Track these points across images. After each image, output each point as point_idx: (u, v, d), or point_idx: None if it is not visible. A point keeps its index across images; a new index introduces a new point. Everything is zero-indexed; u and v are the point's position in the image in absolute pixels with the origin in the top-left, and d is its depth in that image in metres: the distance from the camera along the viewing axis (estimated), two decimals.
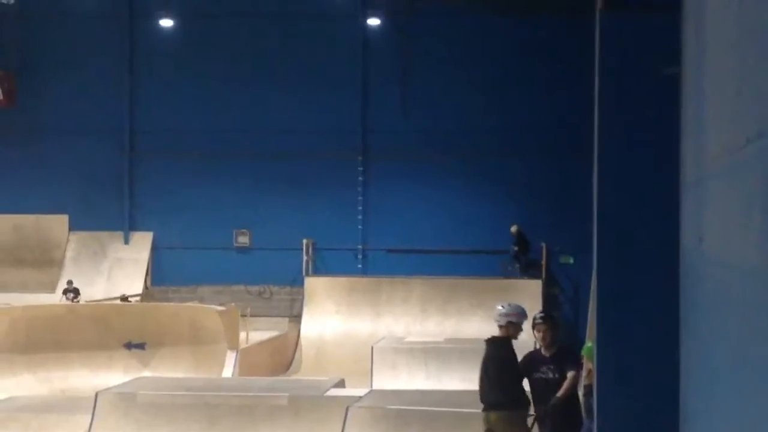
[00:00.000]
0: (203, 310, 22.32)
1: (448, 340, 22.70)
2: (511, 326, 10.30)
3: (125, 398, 14.14)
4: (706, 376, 3.86)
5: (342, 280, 27.07)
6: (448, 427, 12.72)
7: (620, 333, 5.09)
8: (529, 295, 25.85)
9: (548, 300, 26.05)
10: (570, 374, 10.16)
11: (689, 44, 4.57)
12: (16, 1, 27.06)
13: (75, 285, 25.79)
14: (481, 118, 27.25)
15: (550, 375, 10.12)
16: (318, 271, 27.71)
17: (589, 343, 10.16)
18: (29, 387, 19.51)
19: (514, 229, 26.39)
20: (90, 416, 13.83)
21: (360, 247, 27.94)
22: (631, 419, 5.05)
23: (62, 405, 15.82)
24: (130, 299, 24.93)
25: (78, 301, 24.99)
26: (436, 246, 27.21)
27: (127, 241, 28.33)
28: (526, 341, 10.97)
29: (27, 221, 28.41)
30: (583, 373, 10.33)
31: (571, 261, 26.48)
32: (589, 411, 9.64)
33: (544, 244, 26.75)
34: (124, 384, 15.71)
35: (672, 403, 4.75)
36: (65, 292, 25.67)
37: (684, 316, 4.64)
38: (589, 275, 21.60)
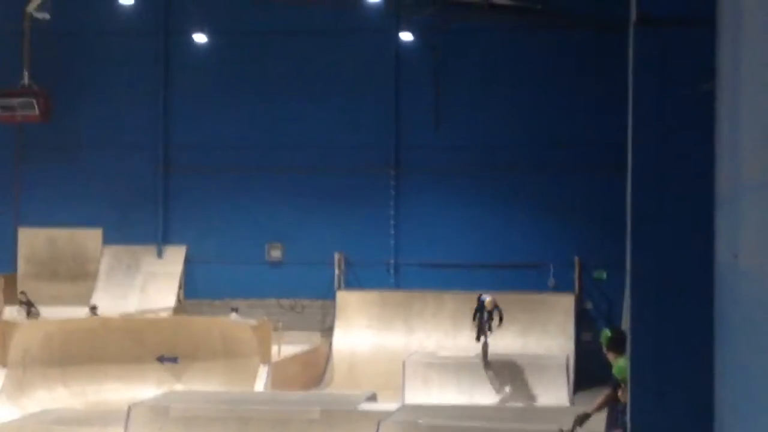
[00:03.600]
0: (236, 323, 22.39)
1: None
2: None
3: (158, 411, 14.19)
4: (742, 393, 3.83)
5: (374, 294, 27.06)
6: None
7: (654, 350, 5.06)
8: (562, 310, 25.76)
9: (581, 315, 25.93)
10: (605, 393, 10.32)
11: (724, 59, 4.54)
12: (52, 18, 27.31)
13: (29, 297, 25.74)
14: (514, 132, 27.20)
15: None
16: (350, 285, 27.73)
17: (621, 362, 10.15)
18: (63, 400, 19.62)
19: (489, 300, 21.61)
20: (123, 429, 13.89)
21: (392, 261, 27.93)
22: None
23: (96, 418, 15.90)
24: (97, 311, 24.77)
25: (33, 314, 24.88)
26: (468, 260, 27.15)
27: (160, 255, 28.49)
28: None
29: (61, 235, 28.63)
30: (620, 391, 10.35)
31: (605, 276, 26.35)
32: (624, 426, 9.63)
33: (577, 259, 26.64)
34: (157, 397, 15.77)
35: (708, 420, 4.71)
36: (20, 303, 25.56)
37: (719, 332, 4.61)
38: (622, 290, 21.49)
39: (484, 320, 21.38)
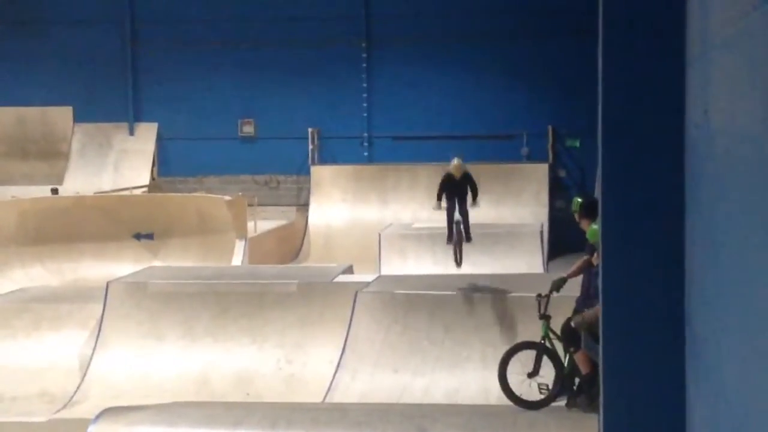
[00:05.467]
0: (210, 199, 22.38)
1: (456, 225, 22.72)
2: None
3: (136, 287, 14.26)
4: (709, 245, 3.89)
5: (348, 168, 27.09)
6: (455, 310, 12.86)
7: (624, 214, 5.08)
8: (536, 179, 25.89)
9: (554, 183, 26.07)
10: (582, 258, 10.42)
11: None
12: None
13: None
14: (487, 1, 26.87)
15: None
16: (324, 160, 27.71)
17: (595, 226, 10.21)
18: (40, 278, 19.69)
19: (456, 162, 14.02)
20: (102, 305, 13.98)
21: (365, 134, 27.87)
22: (635, 292, 5.07)
23: (74, 295, 15.98)
24: (58, 191, 24.55)
25: None
26: (441, 132, 27.12)
27: (132, 132, 28.29)
28: None
29: (31, 113, 28.29)
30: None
31: (578, 144, 26.41)
32: (596, 290, 9.80)
33: (550, 128, 26.65)
34: (135, 273, 15.82)
35: (678, 272, 4.78)
36: None
37: (689, 191, 4.65)
38: (595, 158, 21.55)
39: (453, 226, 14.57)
